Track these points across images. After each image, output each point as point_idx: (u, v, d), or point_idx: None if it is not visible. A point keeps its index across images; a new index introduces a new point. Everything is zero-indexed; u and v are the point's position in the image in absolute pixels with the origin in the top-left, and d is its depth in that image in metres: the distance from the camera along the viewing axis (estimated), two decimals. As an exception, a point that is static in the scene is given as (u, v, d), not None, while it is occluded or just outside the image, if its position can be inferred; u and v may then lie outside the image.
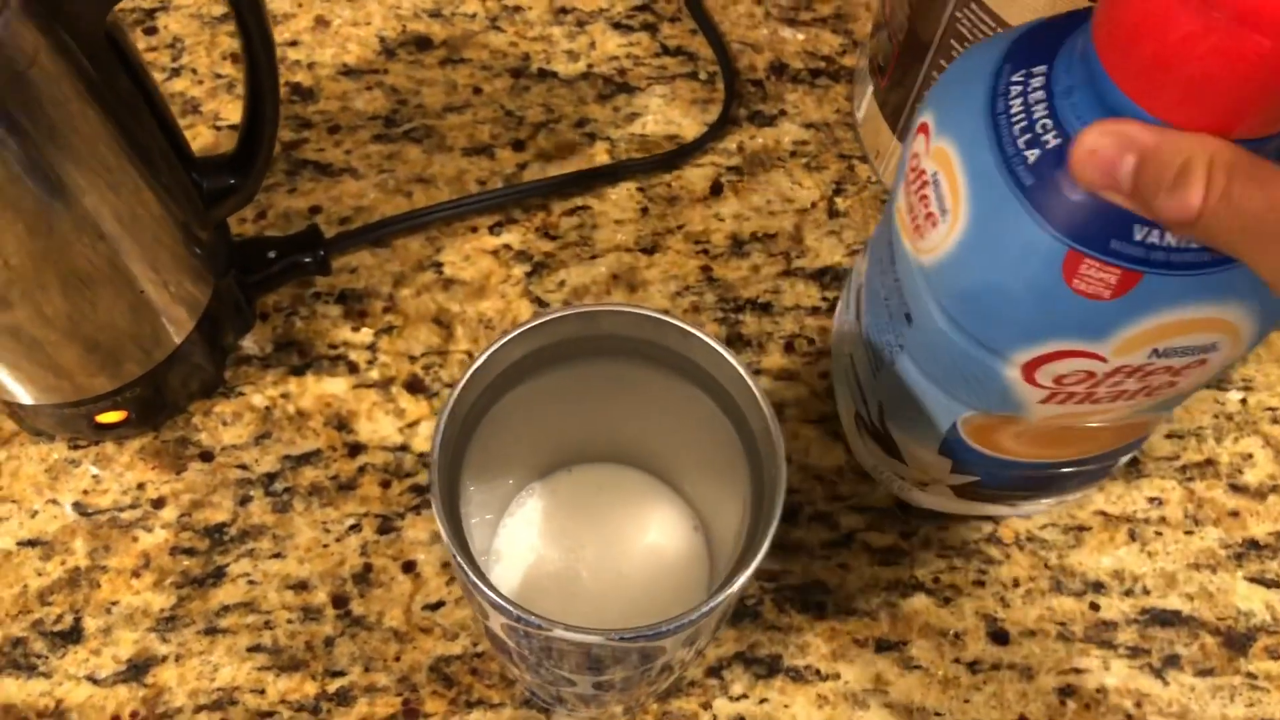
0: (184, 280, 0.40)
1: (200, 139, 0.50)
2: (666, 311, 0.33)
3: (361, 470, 0.44)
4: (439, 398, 0.46)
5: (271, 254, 0.45)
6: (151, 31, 0.52)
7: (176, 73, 0.51)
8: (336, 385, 0.46)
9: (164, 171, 0.37)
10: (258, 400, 0.45)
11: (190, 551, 0.43)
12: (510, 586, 0.40)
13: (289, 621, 0.42)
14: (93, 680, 0.41)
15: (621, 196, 0.50)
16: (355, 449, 0.45)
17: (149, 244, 0.38)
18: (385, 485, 0.44)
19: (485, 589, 0.30)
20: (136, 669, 0.41)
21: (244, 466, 0.44)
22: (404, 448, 0.45)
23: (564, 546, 0.41)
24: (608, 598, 0.41)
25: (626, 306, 0.33)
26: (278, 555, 0.43)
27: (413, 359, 0.46)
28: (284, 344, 0.46)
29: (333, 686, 0.41)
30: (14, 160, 0.32)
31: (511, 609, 0.30)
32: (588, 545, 0.41)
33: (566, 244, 0.49)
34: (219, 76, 0.51)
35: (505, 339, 0.33)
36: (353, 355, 0.46)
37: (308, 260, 0.45)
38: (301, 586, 0.42)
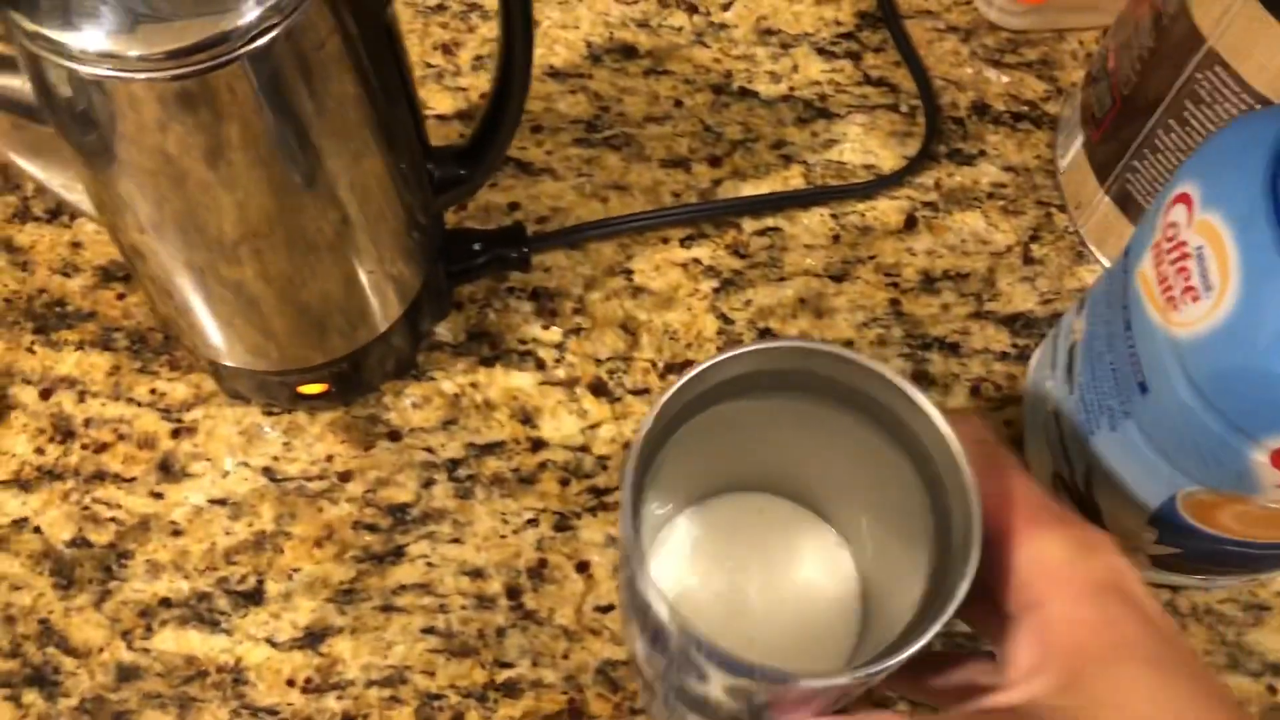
0: (401, 263, 0.41)
1: (407, 125, 0.51)
2: (876, 360, 0.32)
3: (542, 466, 0.45)
4: (621, 402, 0.46)
5: (477, 246, 0.46)
6: (368, 15, 0.54)
7: (389, 58, 0.53)
8: (524, 380, 0.47)
9: (405, 157, 0.38)
10: (447, 386, 0.46)
11: (372, 528, 0.44)
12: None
13: (463, 608, 0.43)
14: (271, 642, 0.42)
15: (814, 221, 0.50)
16: (538, 444, 0.45)
17: (378, 224, 0.39)
18: (564, 483, 0.45)
19: (720, 652, 0.28)
20: (313, 637, 0.42)
21: (430, 450, 0.45)
22: (584, 448, 0.45)
23: (707, 576, 0.40)
24: (751, 629, 0.40)
25: (838, 350, 0.32)
26: (456, 541, 0.44)
27: (598, 362, 0.47)
28: (476, 334, 0.47)
29: (501, 677, 0.42)
30: (284, 129, 0.33)
31: (754, 669, 0.28)
32: (732, 575, 0.40)
33: (756, 264, 0.49)
34: (429, 66, 0.53)
35: (714, 361, 0.32)
36: (541, 352, 0.47)
37: (512, 256, 0.46)
38: (477, 574, 0.43)
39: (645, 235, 0.49)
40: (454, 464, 0.45)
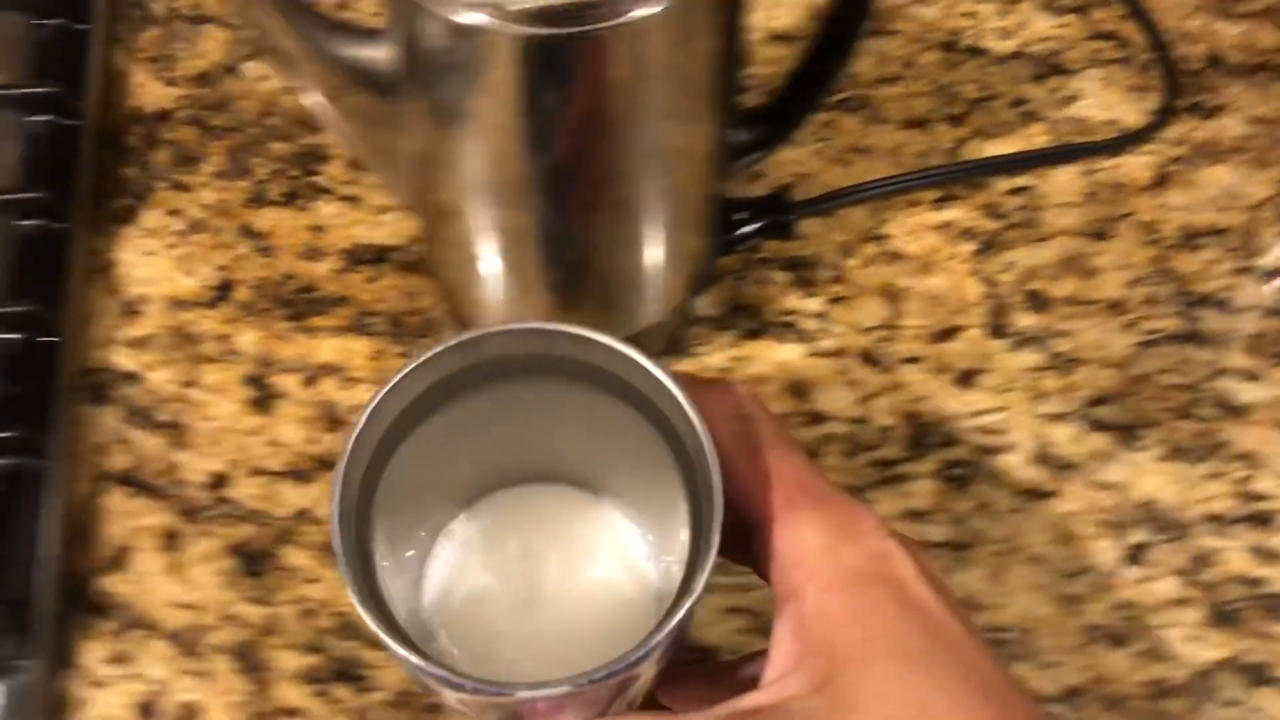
0: (696, 234, 0.40)
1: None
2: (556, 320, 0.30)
3: (824, 439, 0.44)
4: (893, 372, 0.45)
5: (743, 214, 0.44)
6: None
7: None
8: (790, 352, 0.45)
9: (723, 119, 0.37)
10: (715, 361, 0.45)
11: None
12: (442, 621, 0.37)
13: (760, 587, 0.42)
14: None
15: (1065, 179, 0.49)
16: (816, 418, 0.44)
17: (692, 193, 0.38)
18: (849, 456, 0.44)
19: (429, 668, 0.27)
20: (615, 621, 0.41)
21: (706, 427, 0.44)
22: (863, 420, 0.44)
23: (496, 571, 0.38)
24: (545, 619, 0.37)
25: (510, 325, 0.30)
26: (746, 519, 0.43)
27: (865, 331, 0.46)
28: (735, 307, 0.46)
29: (812, 655, 0.41)
30: (659, 92, 0.32)
31: (467, 684, 0.27)
32: (521, 566, 0.38)
33: (1012, 224, 0.48)
34: (651, 32, 0.51)
35: (393, 380, 0.30)
36: (804, 323, 0.46)
37: (778, 224, 0.44)
38: (773, 552, 0.42)
39: (893, 200, 0.48)
40: (733, 440, 0.44)
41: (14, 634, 0.38)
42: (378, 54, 0.31)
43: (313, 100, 0.34)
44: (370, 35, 0.32)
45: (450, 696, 0.29)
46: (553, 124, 0.31)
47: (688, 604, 0.28)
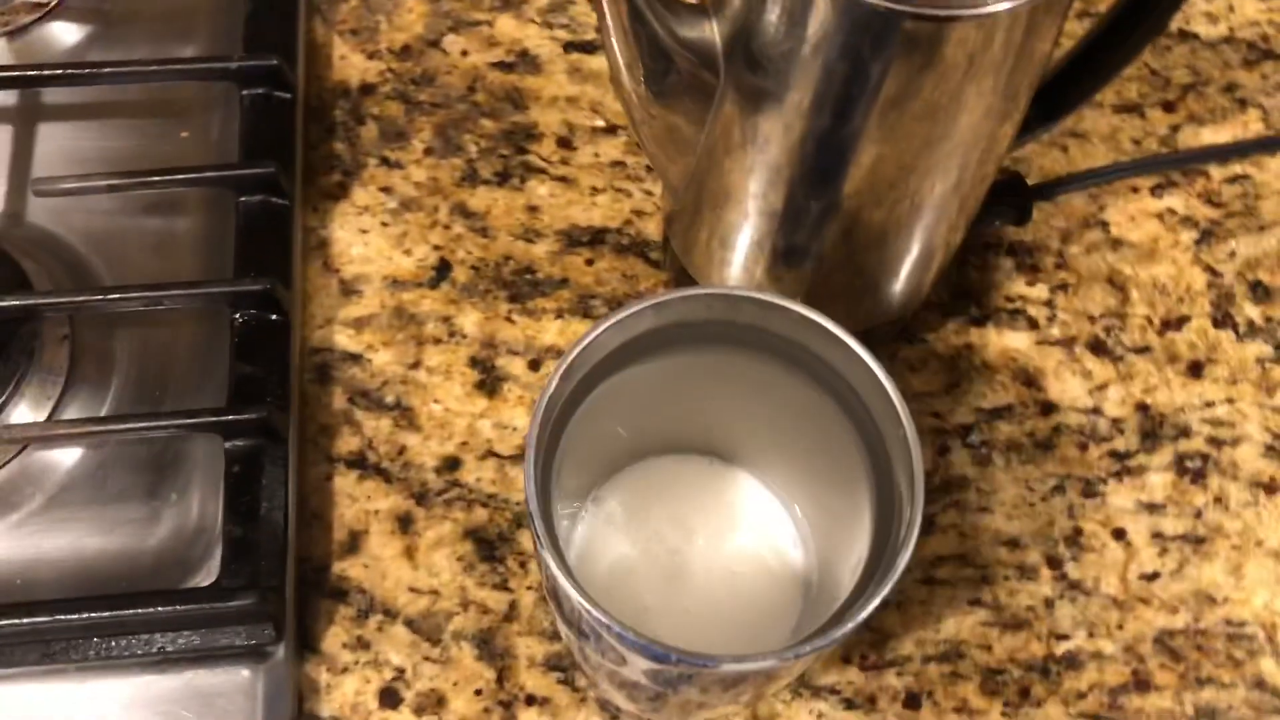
0: (966, 222, 0.39)
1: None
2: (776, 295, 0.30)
3: (1056, 430, 0.43)
4: (1124, 362, 0.44)
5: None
6: (783, -41, 0.51)
7: (813, 4, 0.50)
8: (1018, 340, 0.45)
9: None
10: (941, 348, 0.44)
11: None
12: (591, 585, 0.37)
13: (1005, 578, 0.41)
14: (808, 618, 0.41)
15: (1283, 168, 0.48)
16: (1047, 408, 0.44)
17: (979, 179, 0.36)
18: (1083, 448, 0.43)
19: (634, 638, 0.27)
20: (858, 611, 0.41)
21: (938, 415, 0.43)
22: (1096, 410, 0.43)
23: (641, 543, 0.38)
24: (688, 596, 0.38)
25: (767, 296, 0.30)
26: (985, 510, 0.42)
27: (1092, 319, 0.45)
28: (960, 293, 0.45)
29: (1059, 649, 0.40)
30: (989, 70, 0.30)
31: (670, 654, 0.27)
32: (666, 539, 0.38)
33: (1232, 212, 0.47)
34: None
35: (584, 341, 0.30)
36: (1031, 310, 0.45)
37: (1016, 208, 0.44)
38: (1014, 544, 0.42)
39: (1113, 185, 0.47)
40: (965, 429, 0.43)
41: (266, 619, 0.37)
42: (703, 31, 0.30)
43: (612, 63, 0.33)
44: (700, 11, 0.31)
45: (637, 667, 0.29)
46: (897, 108, 0.30)
47: (888, 586, 0.28)
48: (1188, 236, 0.47)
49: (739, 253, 0.38)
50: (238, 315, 0.41)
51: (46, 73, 0.45)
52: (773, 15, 0.29)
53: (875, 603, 0.28)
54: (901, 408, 0.29)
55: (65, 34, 0.49)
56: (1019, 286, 0.45)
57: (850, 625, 0.27)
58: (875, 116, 0.30)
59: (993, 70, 0.30)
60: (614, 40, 0.31)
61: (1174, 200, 0.47)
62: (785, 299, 0.29)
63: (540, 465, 0.28)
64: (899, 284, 0.39)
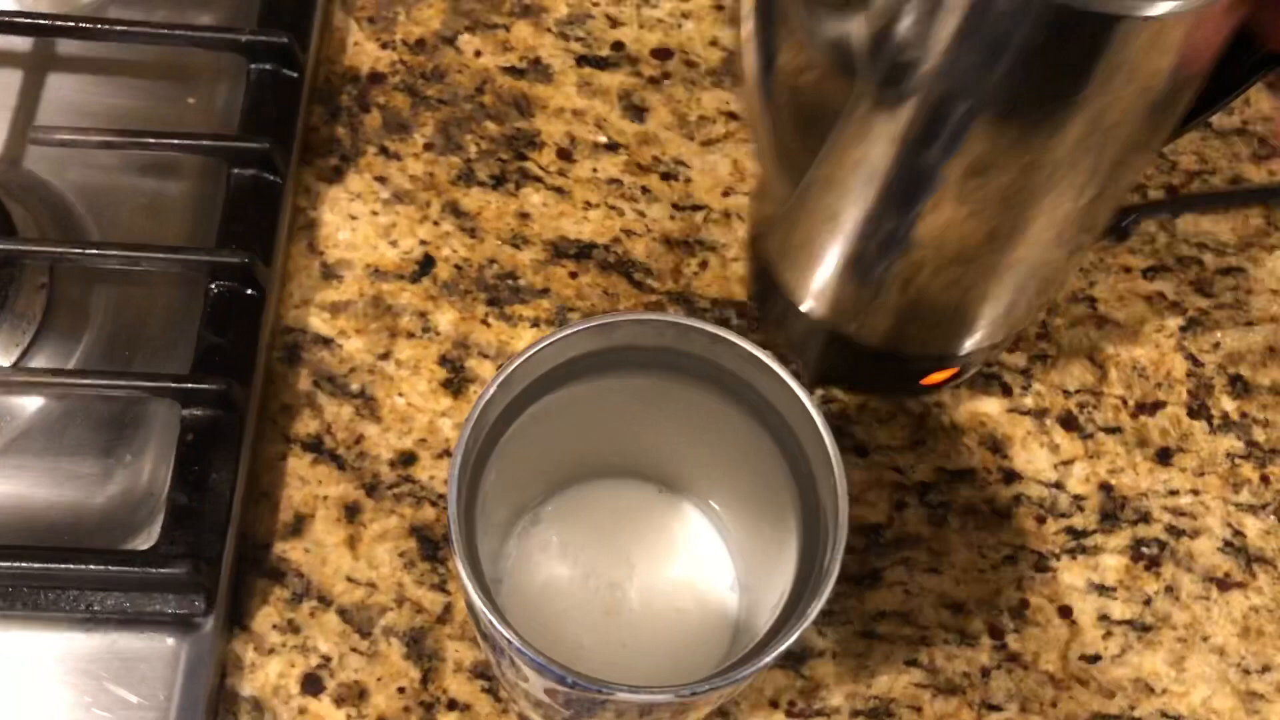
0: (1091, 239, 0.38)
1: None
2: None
3: (1016, 499, 0.43)
4: (1093, 440, 0.44)
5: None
6: (805, -1, 0.51)
7: (829, 47, 0.50)
8: (990, 405, 0.44)
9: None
10: (911, 404, 0.44)
11: (848, 548, 0.42)
12: (517, 616, 0.36)
13: (945, 642, 0.41)
14: (742, 657, 0.40)
15: (1277, 265, 0.48)
16: (1010, 476, 0.43)
17: (1116, 197, 0.35)
18: (1040, 520, 0.43)
19: (532, 655, 0.27)
20: (793, 658, 0.40)
21: (899, 470, 0.43)
22: (1059, 485, 0.43)
23: (579, 572, 0.38)
24: (626, 631, 0.37)
25: (697, 324, 0.30)
26: (933, 570, 0.42)
27: (1066, 393, 0.45)
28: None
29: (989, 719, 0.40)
30: (1168, 74, 0.29)
31: (566, 676, 0.27)
32: (605, 571, 0.38)
33: (1221, 304, 0.47)
34: (871, 59, 0.50)
35: (529, 353, 0.30)
36: (1006, 377, 0.45)
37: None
38: (958, 609, 0.41)
39: (1105, 262, 0.47)
40: (925, 488, 0.43)
41: (199, 591, 0.37)
42: (847, 29, 0.30)
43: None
44: (846, 7, 0.30)
45: (538, 685, 0.29)
46: (1069, 113, 0.29)
47: (800, 628, 0.28)
48: (1174, 322, 0.46)
49: (840, 267, 0.37)
50: (214, 285, 0.41)
51: (60, 23, 0.45)
52: (929, 15, 0.28)
53: (776, 652, 0.27)
54: (835, 459, 0.29)
55: (88, -12, 0.50)
56: (999, 352, 0.45)
57: (747, 671, 0.27)
58: (1029, 129, 0.29)
59: (1172, 73, 0.29)
60: (752, 32, 0.30)
61: (1165, 285, 0.47)
62: (734, 334, 0.29)
63: (469, 471, 0.28)
64: (1016, 308, 0.38)
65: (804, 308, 0.40)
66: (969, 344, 0.40)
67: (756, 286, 0.44)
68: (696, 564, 0.37)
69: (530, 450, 0.33)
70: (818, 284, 0.39)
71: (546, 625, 0.37)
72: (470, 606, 0.28)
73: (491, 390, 0.28)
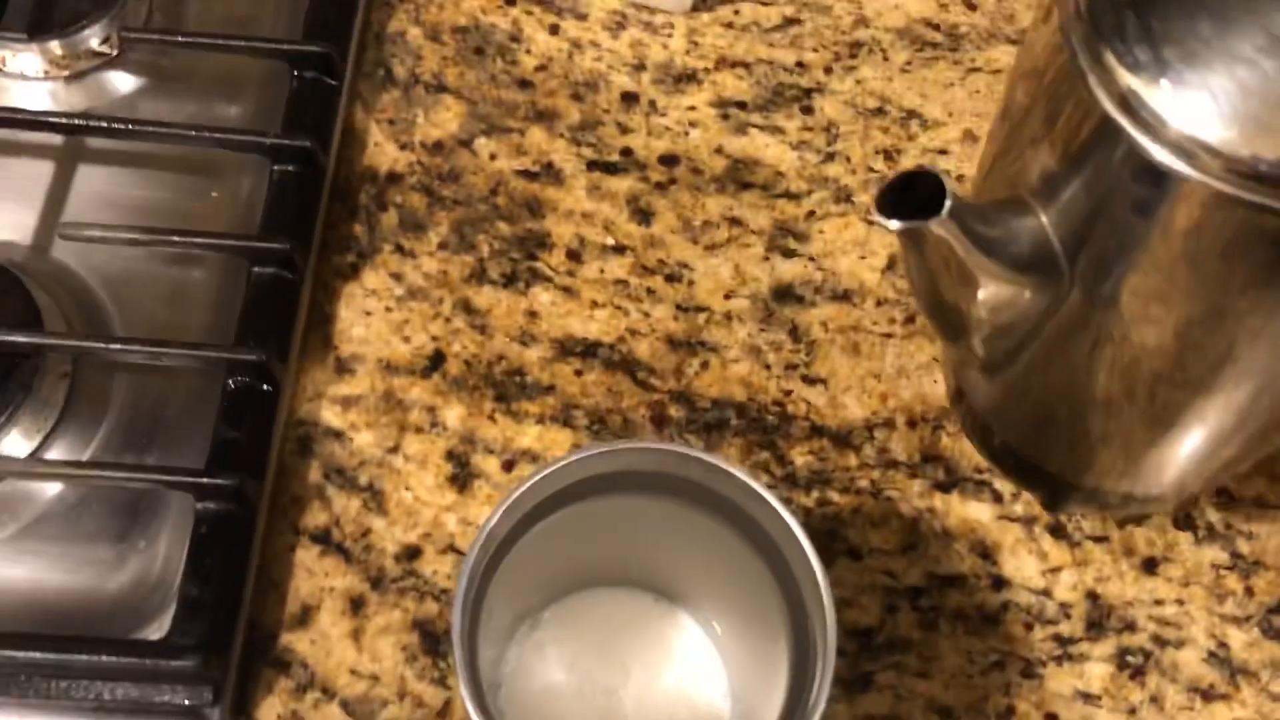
0: None
1: (851, 229, 0.51)
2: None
3: (1005, 606, 0.44)
4: (1081, 548, 0.45)
5: (957, 371, 0.45)
6: (808, 111, 0.53)
7: (830, 158, 0.52)
8: (981, 512, 0.46)
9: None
10: (904, 508, 0.45)
11: (840, 651, 0.43)
12: (521, 707, 0.38)
13: (934, 747, 0.42)
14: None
15: None
16: (999, 582, 0.44)
17: None
18: (1028, 627, 0.44)
19: None
20: (783, 758, 0.41)
21: (891, 574, 0.44)
22: (1047, 592, 0.44)
23: (575, 678, 0.39)
24: None
25: (686, 450, 0.32)
26: (923, 675, 0.43)
27: (1055, 502, 0.46)
28: (930, 457, 0.46)
29: (976, 826, 0.41)
30: None
31: None
32: (602, 678, 0.39)
33: (1208, 417, 0.48)
34: (871, 170, 0.52)
35: (534, 479, 0.32)
36: (997, 484, 0.46)
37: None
38: (947, 713, 0.42)
39: (1095, 373, 0.49)
40: (916, 592, 0.44)
41: (208, 682, 0.38)
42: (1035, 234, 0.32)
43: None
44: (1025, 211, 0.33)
45: None
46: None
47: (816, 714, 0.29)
48: (1161, 433, 0.48)
49: (1067, 434, 0.40)
50: (230, 381, 0.43)
51: (93, 123, 0.47)
52: (1119, 213, 0.31)
53: None
54: (827, 594, 0.30)
55: (120, 82, 0.52)
56: (987, 460, 0.47)
57: None
58: (1243, 315, 0.32)
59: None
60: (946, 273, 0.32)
61: (1152, 396, 0.48)
62: (730, 464, 0.31)
63: (473, 591, 0.29)
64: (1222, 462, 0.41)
65: (1001, 439, 0.44)
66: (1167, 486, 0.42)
67: (957, 406, 0.47)
68: (691, 673, 0.38)
69: (533, 562, 0.34)
70: (1023, 429, 0.42)
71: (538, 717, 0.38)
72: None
73: (497, 517, 0.30)
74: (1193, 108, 0.28)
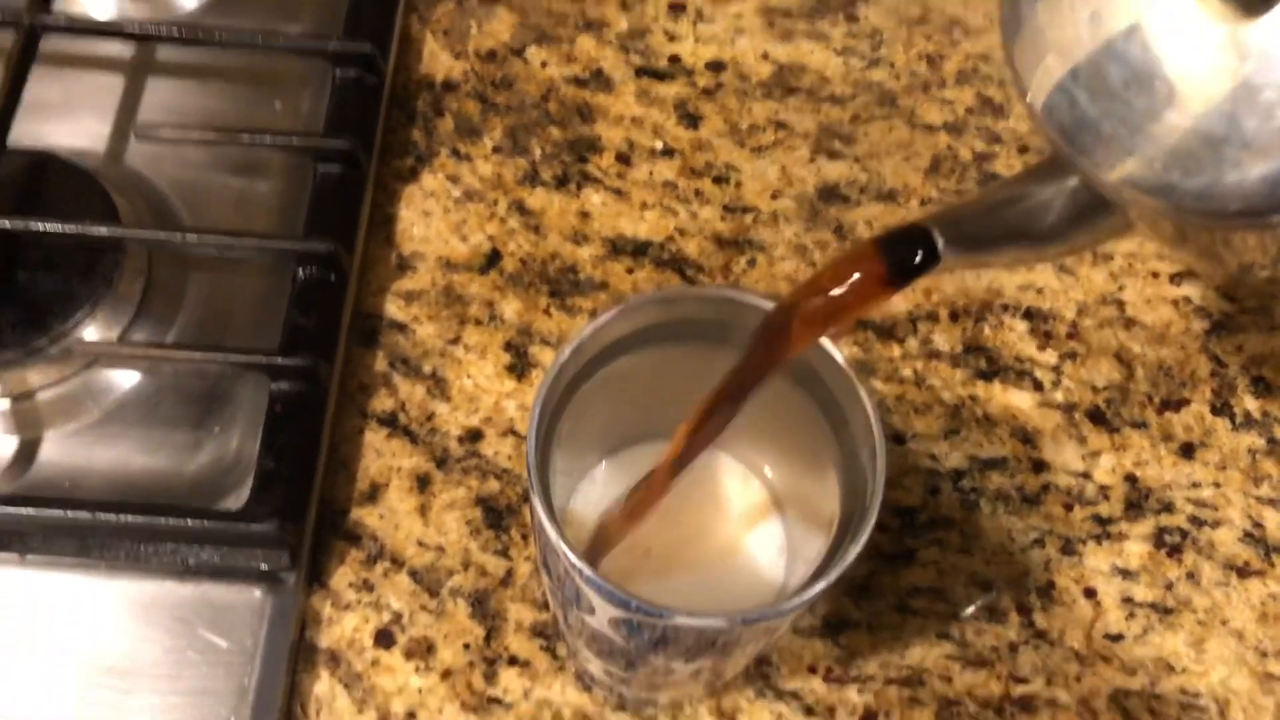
0: None
1: (896, 132, 0.52)
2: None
3: (1045, 488, 0.45)
4: (1120, 434, 0.46)
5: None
6: (852, 19, 0.54)
7: (874, 63, 0.53)
8: (1022, 399, 0.47)
9: None
10: (947, 396, 0.47)
11: (882, 527, 0.45)
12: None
13: (975, 618, 0.43)
14: (792, 629, 0.43)
15: (1301, 274, 0.50)
16: (1039, 466, 0.46)
17: None
18: (1068, 508, 0.45)
19: (601, 582, 0.29)
20: (831, 627, 0.43)
21: (933, 457, 0.46)
22: (1086, 475, 0.46)
23: (636, 538, 0.39)
24: (677, 575, 0.40)
25: (705, 290, 0.33)
26: (965, 551, 0.44)
27: (1095, 390, 0.47)
28: (972, 347, 0.48)
29: (1017, 691, 0.42)
30: None
31: (630, 601, 0.29)
32: (665, 523, 0.39)
33: (1246, 309, 0.49)
34: (914, 74, 0.53)
35: (600, 321, 0.32)
36: (1038, 373, 0.47)
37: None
38: (988, 587, 0.44)
39: (1134, 266, 0.50)
40: (958, 474, 0.45)
41: (284, 547, 0.40)
42: None
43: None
44: None
45: (603, 617, 0.31)
46: None
47: (839, 568, 0.30)
48: (1199, 325, 0.49)
49: None
50: (300, 271, 0.45)
51: (163, 31, 0.49)
52: None
53: (817, 588, 0.30)
54: (854, 380, 0.31)
55: (185, 1, 0.54)
56: (1030, 349, 0.48)
57: (799, 601, 0.29)
58: None
59: None
60: None
61: (1192, 289, 0.49)
62: (745, 293, 0.32)
63: (545, 423, 0.31)
64: None
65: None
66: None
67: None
68: (744, 516, 0.40)
69: (593, 412, 0.35)
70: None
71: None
72: (541, 539, 0.31)
73: (567, 353, 0.31)
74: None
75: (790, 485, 0.40)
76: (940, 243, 0.30)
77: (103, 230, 0.44)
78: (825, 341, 0.32)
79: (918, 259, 0.29)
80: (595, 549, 0.37)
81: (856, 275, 0.30)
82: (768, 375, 0.32)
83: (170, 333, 0.47)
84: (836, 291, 0.30)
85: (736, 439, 0.40)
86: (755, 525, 0.41)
